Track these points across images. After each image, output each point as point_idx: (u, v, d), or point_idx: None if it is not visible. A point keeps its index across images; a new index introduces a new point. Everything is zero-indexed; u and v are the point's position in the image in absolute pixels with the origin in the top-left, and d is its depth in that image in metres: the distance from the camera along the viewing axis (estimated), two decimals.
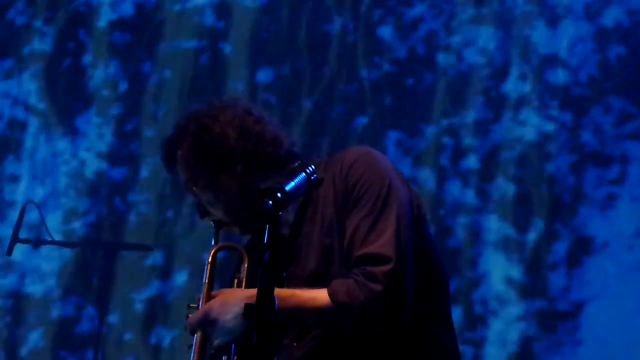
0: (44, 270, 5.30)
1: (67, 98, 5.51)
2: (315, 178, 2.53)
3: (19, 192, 5.41)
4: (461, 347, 2.76)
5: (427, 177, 4.91)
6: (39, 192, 5.36)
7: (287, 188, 2.32)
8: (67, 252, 5.20)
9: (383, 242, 2.43)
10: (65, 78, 5.53)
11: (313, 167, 2.53)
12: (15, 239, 4.54)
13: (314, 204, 2.57)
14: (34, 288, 5.32)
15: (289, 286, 2.47)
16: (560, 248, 4.72)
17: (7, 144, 5.50)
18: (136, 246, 5.09)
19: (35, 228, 5.16)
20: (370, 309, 2.40)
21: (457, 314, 4.49)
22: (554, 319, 4.66)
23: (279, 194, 2.23)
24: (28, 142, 5.48)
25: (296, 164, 2.61)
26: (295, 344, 2.54)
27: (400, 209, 2.48)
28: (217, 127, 2.61)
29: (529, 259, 4.74)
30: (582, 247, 4.69)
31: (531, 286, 4.72)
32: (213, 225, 2.67)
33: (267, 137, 2.63)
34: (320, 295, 2.43)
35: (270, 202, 2.21)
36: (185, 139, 2.63)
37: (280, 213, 2.21)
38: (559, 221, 4.74)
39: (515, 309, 4.72)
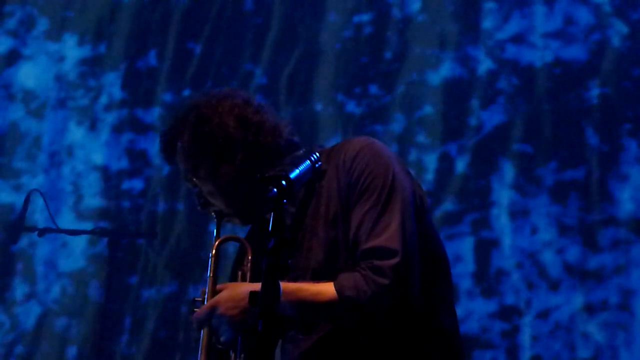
0: None
1: None
2: (319, 167, 2.57)
3: None
4: None
5: None
6: None
7: (292, 176, 2.38)
8: None
9: (389, 236, 2.48)
10: None
11: (317, 154, 2.57)
12: (20, 227, 4.55)
13: (317, 196, 2.62)
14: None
15: (292, 277, 2.52)
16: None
17: None
18: (141, 234, 5.12)
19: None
20: (377, 303, 2.45)
21: None
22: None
23: (283, 182, 2.29)
24: None
25: (301, 151, 2.65)
26: (301, 337, 2.59)
27: (404, 200, 2.54)
28: (217, 117, 2.65)
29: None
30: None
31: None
32: (214, 216, 2.71)
33: (267, 127, 2.68)
34: (327, 290, 2.48)
35: (275, 189, 2.27)
36: (184, 129, 2.68)
37: (285, 201, 2.25)
38: None
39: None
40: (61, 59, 5.68)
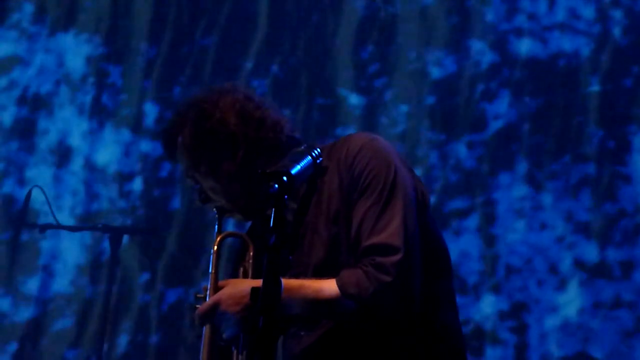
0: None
1: None
2: (320, 162, 2.59)
3: None
4: None
5: None
6: None
7: (293, 171, 2.40)
8: None
9: (391, 232, 2.50)
10: None
11: (319, 150, 2.59)
12: (21, 224, 4.57)
13: (318, 192, 2.64)
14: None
15: (293, 273, 2.55)
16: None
17: None
18: (144, 230, 5.15)
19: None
20: (380, 300, 2.47)
21: None
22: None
23: (284, 178, 2.31)
24: None
25: (302, 147, 2.66)
26: (302, 333, 2.61)
27: (406, 197, 2.56)
28: (218, 113, 2.68)
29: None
30: None
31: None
32: (215, 212, 2.73)
33: (268, 123, 2.70)
34: (329, 286, 2.50)
35: (277, 185, 2.29)
36: (185, 125, 2.70)
37: (286, 197, 2.27)
38: None
39: None
40: (64, 56, 5.71)
